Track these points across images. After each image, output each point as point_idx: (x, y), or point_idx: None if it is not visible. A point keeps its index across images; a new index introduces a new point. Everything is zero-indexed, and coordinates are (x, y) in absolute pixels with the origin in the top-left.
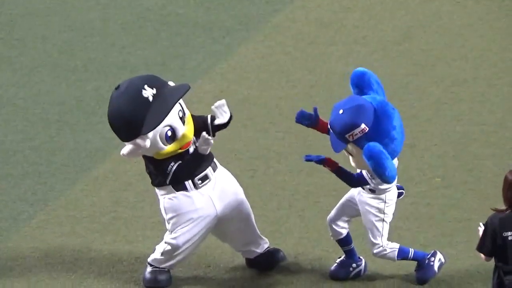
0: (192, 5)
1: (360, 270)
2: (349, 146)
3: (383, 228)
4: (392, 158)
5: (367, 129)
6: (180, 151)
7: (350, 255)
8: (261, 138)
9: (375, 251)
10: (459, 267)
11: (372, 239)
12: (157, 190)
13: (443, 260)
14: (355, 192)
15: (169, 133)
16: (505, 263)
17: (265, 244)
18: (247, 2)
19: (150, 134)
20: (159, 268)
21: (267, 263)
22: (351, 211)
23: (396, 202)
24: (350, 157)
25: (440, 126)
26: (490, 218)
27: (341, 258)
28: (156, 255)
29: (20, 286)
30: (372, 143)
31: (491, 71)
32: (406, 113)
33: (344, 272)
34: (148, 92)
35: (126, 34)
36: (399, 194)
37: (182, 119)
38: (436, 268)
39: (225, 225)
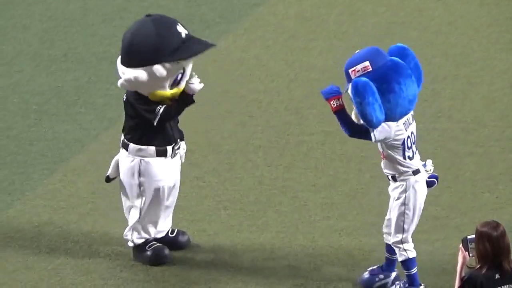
0: None
1: (387, 282)
2: (350, 86)
3: (404, 222)
4: (388, 116)
5: (370, 68)
6: (169, 102)
7: (388, 264)
8: (240, 131)
9: (392, 241)
10: (435, 265)
11: (393, 231)
12: (132, 149)
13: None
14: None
15: (179, 77)
16: None
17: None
18: None
19: (169, 66)
20: (154, 245)
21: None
22: None
23: (426, 194)
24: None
25: (420, 123)
26: (471, 273)
27: (373, 267)
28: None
29: None
30: (363, 78)
31: (472, 68)
32: None
33: (369, 280)
34: (182, 29)
35: (106, 25)
36: (430, 184)
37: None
38: None
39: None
